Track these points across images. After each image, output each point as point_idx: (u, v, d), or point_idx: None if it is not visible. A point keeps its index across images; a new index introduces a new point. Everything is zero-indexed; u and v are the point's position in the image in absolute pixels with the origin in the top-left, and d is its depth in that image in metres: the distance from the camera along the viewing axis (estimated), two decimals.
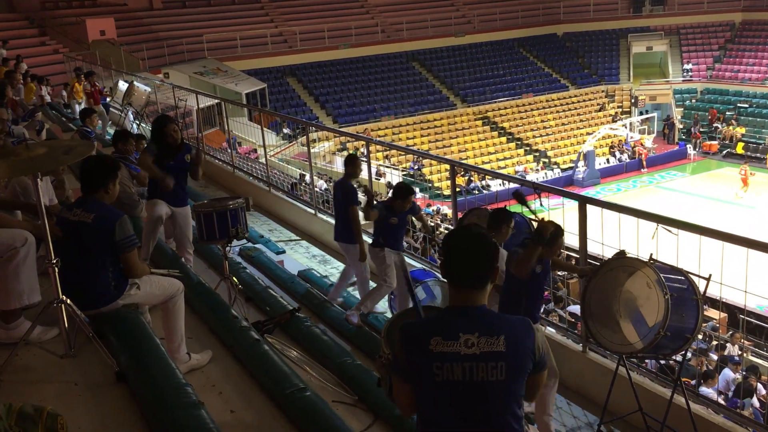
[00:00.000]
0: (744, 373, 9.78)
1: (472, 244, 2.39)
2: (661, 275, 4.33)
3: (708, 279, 4.46)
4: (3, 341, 3.73)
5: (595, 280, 4.70)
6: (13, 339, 3.69)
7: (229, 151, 12.58)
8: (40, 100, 15.75)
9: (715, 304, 10.36)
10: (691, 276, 4.51)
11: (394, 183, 26.19)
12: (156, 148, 5.99)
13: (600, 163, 30.36)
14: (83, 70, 17.26)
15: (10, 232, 3.76)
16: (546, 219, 4.70)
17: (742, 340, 10.75)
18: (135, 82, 14.85)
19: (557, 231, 4.69)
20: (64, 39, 28.85)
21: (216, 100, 18.68)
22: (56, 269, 3.55)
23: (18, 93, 13.13)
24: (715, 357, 10.74)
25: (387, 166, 27.66)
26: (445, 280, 6.39)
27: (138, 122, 14.40)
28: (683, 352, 4.65)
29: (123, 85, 15.83)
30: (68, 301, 3.58)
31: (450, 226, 14.61)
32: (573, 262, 11.83)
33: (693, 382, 7.46)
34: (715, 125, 33.02)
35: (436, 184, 27.97)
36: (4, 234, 3.73)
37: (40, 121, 9.93)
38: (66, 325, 3.63)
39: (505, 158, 31.85)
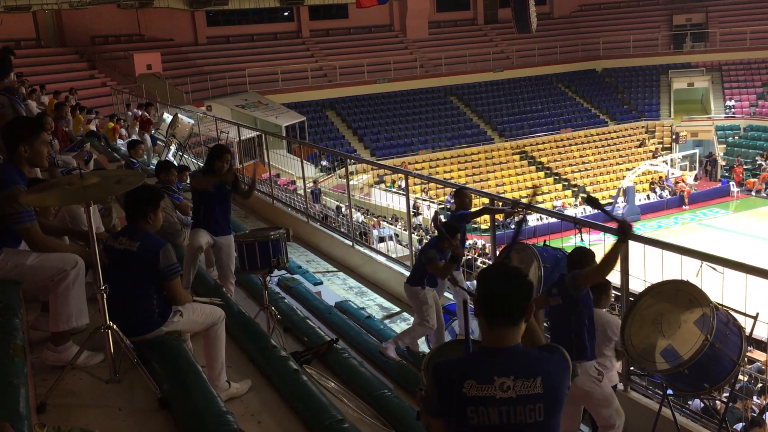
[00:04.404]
0: None
1: (508, 282, 2.36)
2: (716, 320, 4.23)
3: (755, 318, 4.36)
4: (52, 363, 3.81)
5: (648, 296, 4.60)
6: (61, 362, 3.77)
7: (306, 200, 11.98)
8: (89, 131, 16.21)
9: (761, 345, 10.08)
10: (737, 313, 4.41)
11: (429, 216, 26.28)
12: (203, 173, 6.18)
13: (640, 199, 29.97)
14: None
15: (61, 255, 3.86)
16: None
17: None
18: (179, 114, 15.22)
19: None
20: (112, 72, 29.82)
21: (256, 133, 19.04)
22: (104, 295, 3.64)
23: (67, 124, 13.55)
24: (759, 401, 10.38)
25: (424, 200, 27.71)
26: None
27: (181, 153, 14.71)
28: (728, 396, 4.54)
29: (167, 117, 16.25)
30: (115, 327, 3.66)
31: (486, 261, 14.53)
32: (613, 298, 11.61)
33: (739, 426, 7.22)
34: (759, 162, 32.43)
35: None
36: (55, 257, 3.84)
37: (88, 152, 10.21)
38: (112, 350, 3.70)
39: (542, 193, 31.66)
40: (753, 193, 30.64)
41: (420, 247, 6.42)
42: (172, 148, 15.09)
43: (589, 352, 4.46)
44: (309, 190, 23.74)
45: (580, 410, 4.67)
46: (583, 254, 4.66)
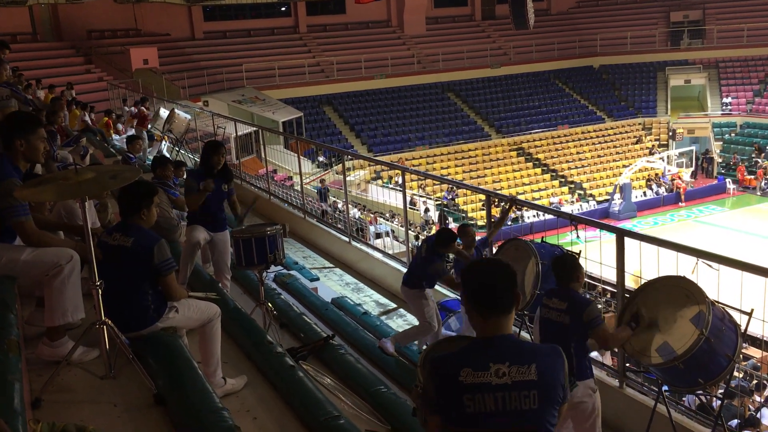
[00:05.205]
0: None
1: (491, 272, 2.43)
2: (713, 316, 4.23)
3: (750, 314, 4.36)
4: (47, 358, 3.80)
5: (645, 292, 4.59)
6: (56, 357, 3.75)
7: (303, 196, 11.86)
8: (85, 126, 16.16)
9: (756, 342, 10.11)
10: (732, 310, 4.42)
11: (428, 212, 26.29)
12: (196, 176, 6.16)
13: (636, 195, 30.01)
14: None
15: (56, 250, 3.85)
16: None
17: None
18: (176, 110, 15.18)
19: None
20: (109, 67, 29.71)
21: (253, 128, 18.98)
22: (99, 291, 3.63)
23: (63, 119, 13.52)
24: (757, 398, 10.40)
25: (421, 196, 27.69)
26: None
27: (177, 149, 14.68)
28: (723, 392, 4.55)
29: (164, 113, 16.20)
30: (110, 322, 3.65)
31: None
32: (609, 295, 11.63)
33: (734, 423, 7.25)
34: (755, 160, 32.49)
35: (469, 214, 27.93)
36: (50, 252, 3.83)
37: (84, 147, 10.18)
38: (107, 346, 3.69)
39: (539, 189, 31.68)
40: (758, 192, 30.65)
41: (419, 244, 6.42)
42: (165, 143, 15.07)
43: (589, 371, 4.45)
44: (315, 189, 23.76)
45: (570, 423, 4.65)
46: (571, 264, 4.60)
